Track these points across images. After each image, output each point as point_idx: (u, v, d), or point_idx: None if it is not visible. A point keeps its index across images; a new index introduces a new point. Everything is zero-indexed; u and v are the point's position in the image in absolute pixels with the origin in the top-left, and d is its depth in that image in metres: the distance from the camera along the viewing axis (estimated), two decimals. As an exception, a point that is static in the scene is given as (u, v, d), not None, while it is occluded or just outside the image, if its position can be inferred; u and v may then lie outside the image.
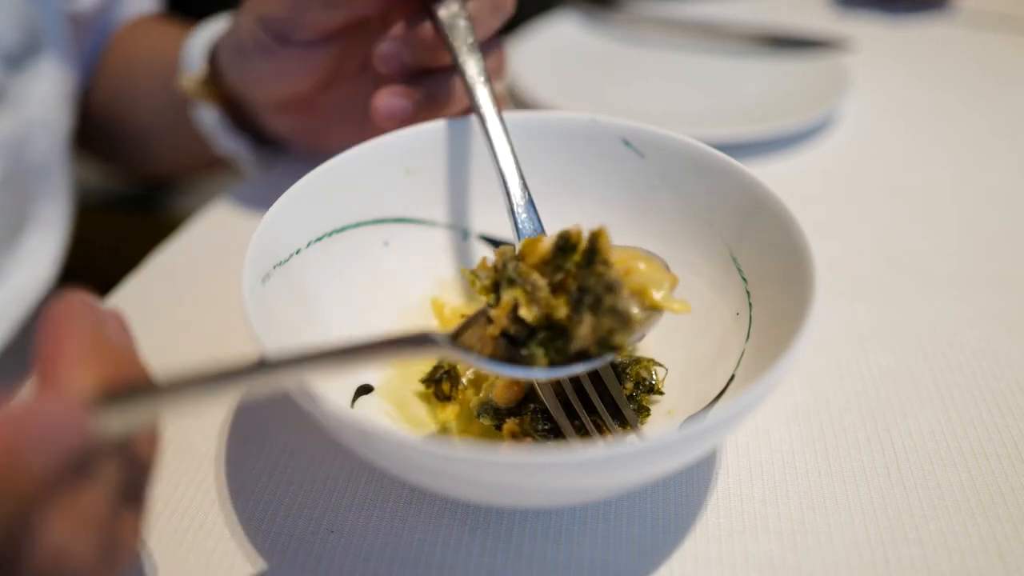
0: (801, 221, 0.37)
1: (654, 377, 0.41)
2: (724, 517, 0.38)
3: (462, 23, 0.46)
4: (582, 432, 0.39)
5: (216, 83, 0.58)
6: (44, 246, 0.65)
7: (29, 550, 0.24)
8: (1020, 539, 0.36)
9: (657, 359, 0.42)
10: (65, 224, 0.67)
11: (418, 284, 0.46)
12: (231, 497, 0.39)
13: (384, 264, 0.45)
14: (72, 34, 0.67)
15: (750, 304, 0.40)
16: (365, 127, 0.50)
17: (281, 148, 0.65)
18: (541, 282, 0.35)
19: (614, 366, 0.41)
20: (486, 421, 0.40)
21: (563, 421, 0.39)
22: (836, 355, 0.47)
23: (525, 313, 0.35)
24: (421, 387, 0.42)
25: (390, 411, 0.41)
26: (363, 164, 0.44)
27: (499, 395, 0.40)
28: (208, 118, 0.61)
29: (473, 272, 0.38)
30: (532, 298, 0.35)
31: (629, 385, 0.41)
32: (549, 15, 0.90)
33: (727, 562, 0.36)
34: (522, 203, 0.42)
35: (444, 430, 0.41)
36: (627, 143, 0.45)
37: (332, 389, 0.38)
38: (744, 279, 0.41)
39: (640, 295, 0.35)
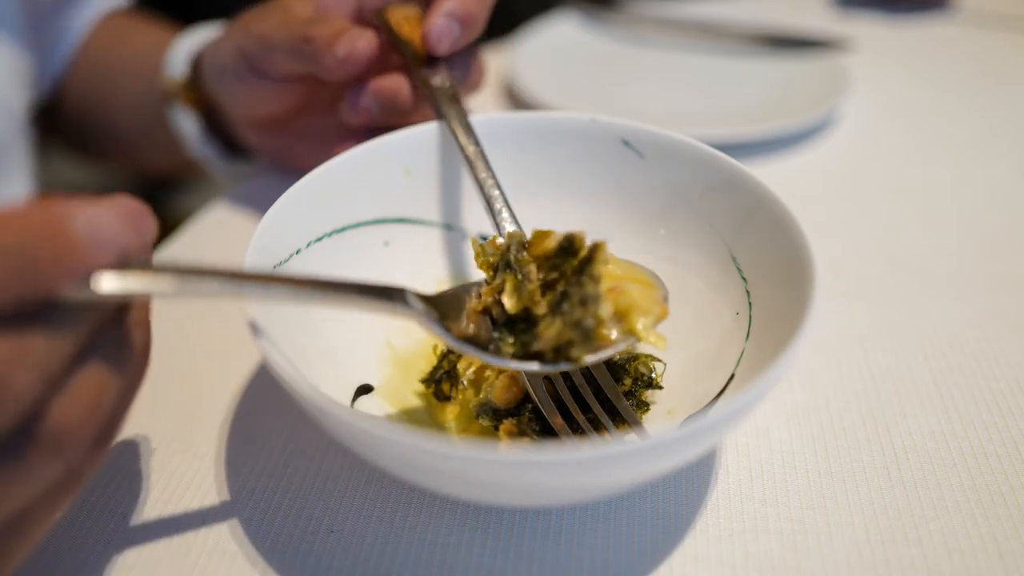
0: (801, 221, 0.37)
1: (653, 372, 0.41)
2: (724, 517, 0.38)
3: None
4: (579, 432, 0.39)
5: (196, 89, 0.60)
6: None
7: (36, 427, 0.25)
8: (1020, 539, 0.36)
9: (656, 357, 0.42)
10: None
11: (418, 284, 0.46)
12: (231, 497, 0.39)
13: (384, 264, 0.45)
14: (28, 13, 0.67)
15: (750, 304, 0.40)
16: (332, 154, 0.53)
17: (252, 160, 0.66)
18: (534, 275, 0.36)
19: (611, 363, 0.41)
20: (485, 422, 0.40)
21: (556, 420, 0.38)
22: (836, 355, 0.47)
23: (507, 299, 0.35)
24: (421, 387, 0.42)
25: (390, 411, 0.41)
26: (363, 164, 0.44)
27: (498, 396, 0.40)
28: (185, 122, 0.62)
29: (482, 245, 0.38)
30: (519, 287, 0.35)
31: (628, 381, 0.41)
32: (549, 15, 0.90)
33: (727, 562, 0.36)
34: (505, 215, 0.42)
35: (444, 430, 0.41)
36: (627, 143, 0.45)
37: (332, 389, 0.38)
38: (744, 279, 0.41)
39: (622, 317, 0.35)
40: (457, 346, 0.35)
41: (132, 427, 0.43)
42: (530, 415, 0.39)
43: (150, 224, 0.29)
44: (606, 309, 0.34)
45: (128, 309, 0.30)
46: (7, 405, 0.24)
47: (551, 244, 0.36)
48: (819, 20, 0.95)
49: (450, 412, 0.41)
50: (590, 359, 0.34)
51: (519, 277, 0.36)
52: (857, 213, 0.60)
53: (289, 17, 0.51)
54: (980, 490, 0.39)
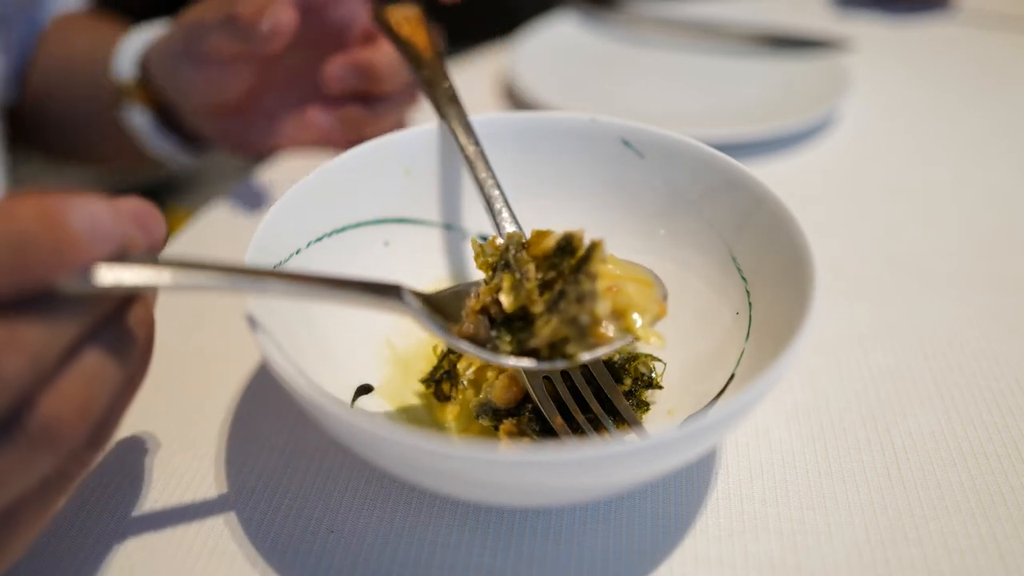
0: (801, 221, 0.37)
1: (653, 372, 0.41)
2: (724, 517, 0.38)
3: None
4: (579, 432, 0.39)
5: (147, 87, 0.61)
6: None
7: (26, 417, 0.26)
8: (1020, 539, 0.36)
9: (656, 357, 0.42)
10: None
11: (418, 284, 0.46)
12: (231, 497, 0.39)
13: (384, 264, 0.45)
14: None
15: (750, 304, 0.40)
16: (295, 132, 0.53)
17: (211, 149, 0.67)
18: (532, 274, 0.36)
19: (611, 363, 0.41)
20: (485, 422, 0.40)
21: (556, 420, 0.39)
22: (836, 355, 0.47)
23: (504, 298, 0.36)
24: (421, 387, 0.42)
25: (390, 411, 0.41)
26: (363, 164, 0.44)
27: (498, 396, 0.40)
28: (139, 119, 0.63)
29: (482, 246, 0.39)
30: (517, 286, 0.36)
31: (628, 381, 0.41)
32: (549, 15, 0.90)
33: (727, 562, 0.36)
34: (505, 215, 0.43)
35: (444, 430, 0.41)
36: (627, 143, 0.45)
37: (332, 389, 0.38)
38: (744, 279, 0.41)
39: (620, 316, 0.35)
40: (453, 343, 0.35)
41: (132, 427, 0.43)
42: (530, 415, 0.39)
43: (158, 223, 0.29)
44: (604, 307, 0.34)
45: (130, 305, 0.30)
46: None
47: (550, 243, 0.37)
48: (819, 20, 0.95)
49: (450, 412, 0.41)
50: (586, 356, 0.34)
51: (517, 276, 0.36)
52: (857, 213, 0.60)
53: (223, 1, 0.52)
54: (980, 490, 0.39)
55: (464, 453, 0.29)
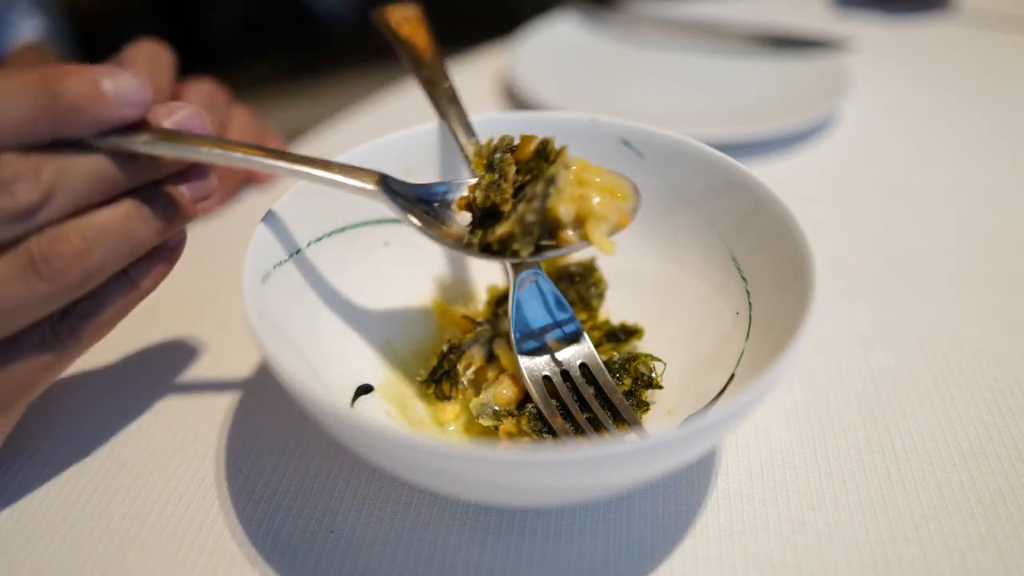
0: (801, 221, 0.37)
1: (653, 372, 0.41)
2: (724, 517, 0.38)
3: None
4: (579, 432, 0.39)
5: None
6: None
7: (30, 243, 0.30)
8: (1020, 539, 0.36)
9: (656, 357, 0.42)
10: None
11: (418, 284, 0.47)
12: (231, 497, 0.39)
13: (384, 264, 0.45)
14: None
15: (750, 304, 0.40)
16: None
17: None
18: (510, 176, 0.37)
19: (610, 364, 0.41)
20: (485, 422, 0.40)
21: (556, 420, 0.39)
22: (836, 355, 0.47)
23: (477, 195, 0.38)
24: (421, 387, 0.42)
25: (390, 411, 0.41)
26: (363, 164, 0.44)
27: (498, 396, 0.40)
28: None
29: (481, 146, 0.40)
30: (493, 185, 0.37)
31: (628, 381, 0.41)
32: (549, 15, 0.90)
33: (727, 562, 0.36)
34: None
35: (444, 430, 0.41)
36: (627, 143, 0.45)
37: (332, 389, 0.38)
38: (744, 279, 0.41)
39: (581, 223, 0.36)
40: (423, 232, 0.37)
41: (132, 427, 0.43)
42: (530, 415, 0.39)
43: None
44: (567, 212, 0.35)
45: (158, 200, 0.34)
46: (1, 203, 0.29)
47: (530, 148, 0.38)
48: (819, 20, 0.95)
49: (450, 412, 0.41)
50: (532, 256, 0.35)
51: (496, 176, 0.37)
52: (857, 213, 0.60)
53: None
54: (980, 490, 0.39)
55: (464, 453, 0.29)
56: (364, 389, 0.41)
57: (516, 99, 0.78)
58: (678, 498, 0.38)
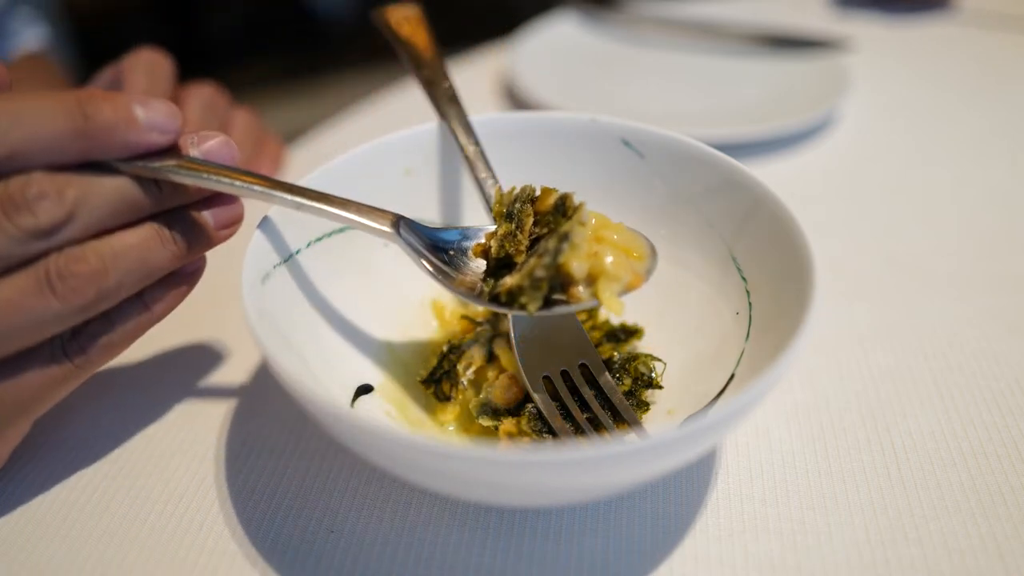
0: (801, 221, 0.37)
1: (653, 372, 0.41)
2: (724, 517, 0.38)
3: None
4: (579, 432, 0.39)
5: None
6: None
7: (48, 260, 0.31)
8: (1020, 539, 0.36)
9: (656, 357, 0.42)
10: None
11: (417, 284, 0.46)
12: (231, 497, 0.39)
13: (384, 264, 0.45)
14: None
15: (750, 304, 0.40)
16: None
17: None
18: (527, 227, 0.37)
19: (610, 364, 0.41)
20: (485, 422, 0.40)
21: (556, 420, 0.39)
22: (836, 355, 0.47)
23: (493, 244, 0.37)
24: (421, 387, 0.42)
25: (390, 411, 0.41)
26: (363, 164, 0.44)
27: (498, 396, 0.40)
28: None
29: (503, 194, 0.39)
30: (509, 235, 0.37)
31: (628, 381, 0.41)
32: (549, 15, 0.90)
33: (727, 562, 0.36)
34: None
35: (444, 430, 0.41)
36: (627, 143, 0.45)
37: (332, 389, 0.38)
38: (744, 279, 0.41)
39: (593, 281, 0.35)
40: (435, 278, 0.37)
41: (132, 427, 0.43)
42: (530, 415, 0.39)
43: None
44: (580, 268, 0.35)
45: (180, 229, 0.35)
46: (24, 220, 0.30)
47: (550, 201, 0.37)
48: (819, 20, 0.95)
49: (450, 412, 0.41)
50: (540, 311, 0.35)
51: (513, 227, 0.37)
52: (857, 213, 0.60)
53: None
54: (980, 490, 0.39)
55: (464, 453, 0.29)
56: (364, 389, 0.41)
57: (516, 99, 0.78)
58: (678, 498, 0.38)
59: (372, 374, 0.42)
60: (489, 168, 0.43)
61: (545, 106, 0.71)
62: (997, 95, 0.79)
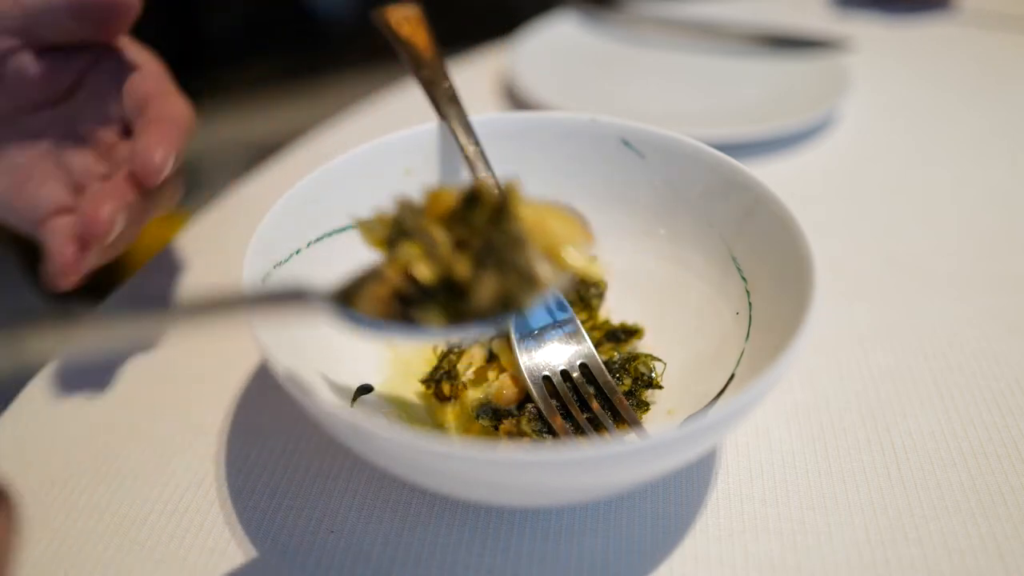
0: (801, 221, 0.37)
1: (653, 372, 0.41)
2: (724, 517, 0.38)
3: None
4: (579, 432, 0.39)
5: None
6: None
7: None
8: (1020, 539, 0.36)
9: (656, 357, 0.42)
10: None
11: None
12: (231, 497, 0.39)
13: (384, 264, 0.45)
14: None
15: (750, 304, 0.40)
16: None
17: None
18: (442, 237, 0.32)
19: (610, 364, 0.41)
20: (485, 422, 0.40)
21: (556, 420, 0.39)
22: (836, 355, 0.47)
23: (421, 271, 0.31)
24: (421, 387, 0.42)
25: (390, 411, 0.41)
26: (363, 164, 0.44)
27: (498, 396, 0.40)
28: None
29: (366, 223, 0.33)
30: (430, 254, 0.31)
31: (628, 381, 0.41)
32: (549, 15, 0.90)
33: (727, 562, 0.36)
34: None
35: (444, 430, 0.41)
36: (627, 143, 0.45)
37: (332, 389, 0.38)
38: (744, 279, 0.41)
39: (550, 254, 0.32)
40: (392, 334, 0.31)
41: (132, 427, 0.43)
42: (530, 415, 0.39)
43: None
44: (540, 257, 0.31)
45: None
46: None
47: (451, 201, 0.32)
48: (819, 20, 0.95)
49: (450, 412, 0.41)
50: (537, 302, 0.31)
51: (426, 244, 0.32)
52: (857, 213, 0.60)
53: None
54: (980, 490, 0.39)
55: (464, 453, 0.29)
56: (364, 389, 0.41)
57: (516, 99, 0.78)
58: (678, 498, 0.38)
59: (372, 374, 0.42)
60: (489, 168, 0.43)
61: (545, 106, 0.71)
62: (997, 95, 0.79)
